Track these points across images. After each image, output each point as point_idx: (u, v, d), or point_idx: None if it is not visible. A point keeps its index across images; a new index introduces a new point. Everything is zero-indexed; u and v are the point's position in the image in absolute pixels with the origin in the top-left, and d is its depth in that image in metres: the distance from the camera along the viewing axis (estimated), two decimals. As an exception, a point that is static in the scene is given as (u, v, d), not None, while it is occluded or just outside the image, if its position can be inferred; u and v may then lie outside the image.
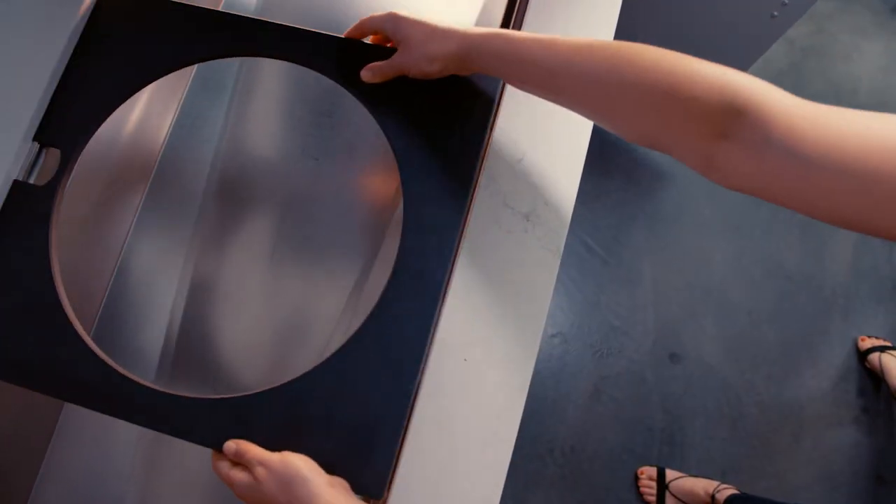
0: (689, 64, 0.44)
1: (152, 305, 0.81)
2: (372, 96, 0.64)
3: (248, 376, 0.80)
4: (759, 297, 1.38)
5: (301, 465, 0.52)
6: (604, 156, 1.56)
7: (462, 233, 0.61)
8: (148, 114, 0.87)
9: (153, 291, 0.81)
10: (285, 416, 0.59)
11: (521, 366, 0.60)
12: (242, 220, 0.85)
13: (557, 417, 1.39)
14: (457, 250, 0.61)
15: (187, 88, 0.89)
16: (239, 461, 0.55)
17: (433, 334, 0.60)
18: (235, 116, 0.88)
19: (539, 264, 0.62)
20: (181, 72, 0.88)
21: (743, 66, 1.21)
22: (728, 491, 1.34)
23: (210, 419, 0.59)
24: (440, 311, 0.60)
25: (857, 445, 1.47)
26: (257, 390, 0.60)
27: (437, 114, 0.62)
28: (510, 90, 0.66)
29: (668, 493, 1.37)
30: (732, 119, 0.41)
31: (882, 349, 1.48)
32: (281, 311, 0.81)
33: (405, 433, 0.58)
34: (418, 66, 0.61)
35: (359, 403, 0.58)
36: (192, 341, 0.80)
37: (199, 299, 0.81)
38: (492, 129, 0.64)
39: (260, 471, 0.52)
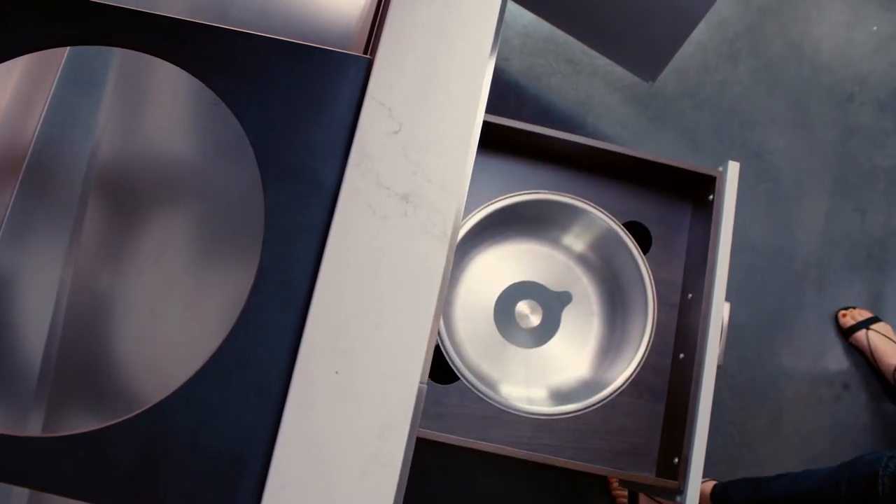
0: None
1: (26, 324, 0.73)
2: (229, 89, 0.57)
3: (142, 394, 0.72)
4: (726, 274, 1.30)
5: None
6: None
7: (328, 231, 0.53)
8: (9, 112, 0.78)
9: (27, 308, 0.73)
10: (141, 451, 0.52)
11: (407, 376, 0.50)
12: (125, 224, 0.77)
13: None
14: (322, 251, 0.53)
15: (55, 82, 0.80)
16: None
17: (298, 347, 0.51)
18: (112, 111, 0.80)
19: (423, 253, 0.52)
20: (47, 65, 0.80)
21: (691, 20, 1.11)
22: (709, 483, 1.26)
23: (52, 461, 0.52)
24: (305, 320, 0.51)
25: (840, 426, 1.39)
26: (105, 424, 0.53)
27: (301, 104, 0.57)
28: (383, 53, 0.57)
29: (641, 496, 1.28)
30: None
31: (866, 325, 1.40)
32: (172, 321, 0.74)
33: (269, 463, 0.49)
34: None
35: (221, 432, 0.51)
36: (74, 361, 0.72)
37: (79, 315, 0.73)
38: (357, 117, 0.56)
39: None
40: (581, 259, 1.06)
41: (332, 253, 0.52)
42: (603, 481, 1.35)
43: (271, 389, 0.51)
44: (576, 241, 1.05)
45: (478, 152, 1.02)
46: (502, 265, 1.04)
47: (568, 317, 1.03)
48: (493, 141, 1.02)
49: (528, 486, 1.34)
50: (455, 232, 0.54)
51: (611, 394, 0.92)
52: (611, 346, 1.02)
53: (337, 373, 0.50)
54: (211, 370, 0.52)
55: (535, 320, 1.03)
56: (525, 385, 0.96)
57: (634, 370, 0.93)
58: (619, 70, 1.46)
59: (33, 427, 0.70)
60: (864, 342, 1.40)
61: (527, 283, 1.03)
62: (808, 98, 1.55)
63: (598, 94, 1.50)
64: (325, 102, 0.56)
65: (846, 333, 1.43)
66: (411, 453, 0.50)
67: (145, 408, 0.53)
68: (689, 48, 1.55)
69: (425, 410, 0.92)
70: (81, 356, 0.72)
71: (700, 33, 1.56)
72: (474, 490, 1.33)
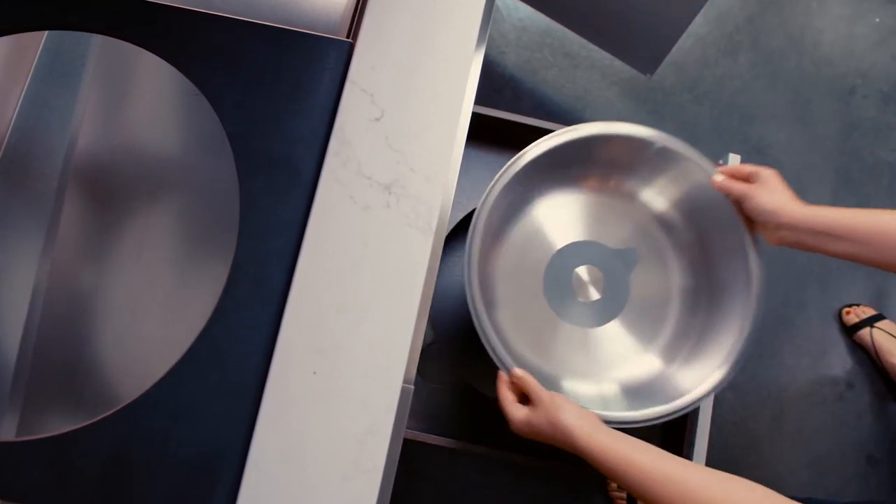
0: None
1: (1, 324, 0.70)
2: (203, 76, 0.54)
3: (120, 393, 0.70)
4: (727, 271, 1.27)
5: (565, 404, 0.61)
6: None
7: (307, 223, 0.50)
8: (-17, 106, 0.76)
9: (1, 307, 0.71)
10: (109, 455, 0.50)
11: (388, 377, 0.48)
12: (104, 219, 0.75)
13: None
14: (300, 244, 0.50)
15: (31, 74, 0.78)
16: (520, 386, 0.65)
17: (274, 346, 0.48)
18: (90, 103, 0.77)
19: (406, 246, 0.50)
20: (23, 54, 0.77)
21: (689, 11, 1.09)
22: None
23: (16, 467, 0.50)
24: (281, 318, 0.49)
25: (844, 425, 1.36)
26: (72, 427, 0.51)
27: (278, 91, 0.55)
28: (365, 36, 0.54)
29: (639, 496, 1.25)
30: None
31: (870, 322, 1.37)
32: (150, 318, 0.71)
33: (243, 468, 0.46)
34: (761, 216, 0.71)
35: (192, 435, 0.49)
36: (51, 359, 0.70)
37: (57, 312, 0.70)
38: (338, 104, 0.53)
39: (535, 402, 0.63)
40: (661, 221, 0.85)
41: (311, 246, 0.49)
42: (601, 483, 1.32)
43: (246, 391, 0.48)
44: (658, 196, 0.85)
45: (472, 146, 0.99)
46: (559, 222, 0.84)
47: (637, 288, 0.83)
48: (488, 135, 0.99)
49: (524, 487, 1.31)
50: (441, 224, 0.51)
51: (706, 393, 0.72)
52: (690, 332, 0.82)
53: (315, 373, 0.47)
54: (182, 370, 0.49)
55: (594, 293, 0.83)
56: (595, 380, 0.78)
57: (732, 367, 0.72)
58: (616, 63, 1.43)
59: (7, 431, 0.67)
60: (868, 340, 1.37)
61: (587, 243, 0.83)
62: (809, 92, 1.53)
63: (595, 87, 1.48)
64: (303, 88, 0.53)
65: (850, 331, 1.41)
66: (396, 457, 0.48)
67: (114, 410, 0.50)
68: (687, 42, 1.52)
69: (416, 411, 0.89)
70: (59, 355, 0.70)
71: (699, 27, 1.54)
72: (469, 493, 1.30)
